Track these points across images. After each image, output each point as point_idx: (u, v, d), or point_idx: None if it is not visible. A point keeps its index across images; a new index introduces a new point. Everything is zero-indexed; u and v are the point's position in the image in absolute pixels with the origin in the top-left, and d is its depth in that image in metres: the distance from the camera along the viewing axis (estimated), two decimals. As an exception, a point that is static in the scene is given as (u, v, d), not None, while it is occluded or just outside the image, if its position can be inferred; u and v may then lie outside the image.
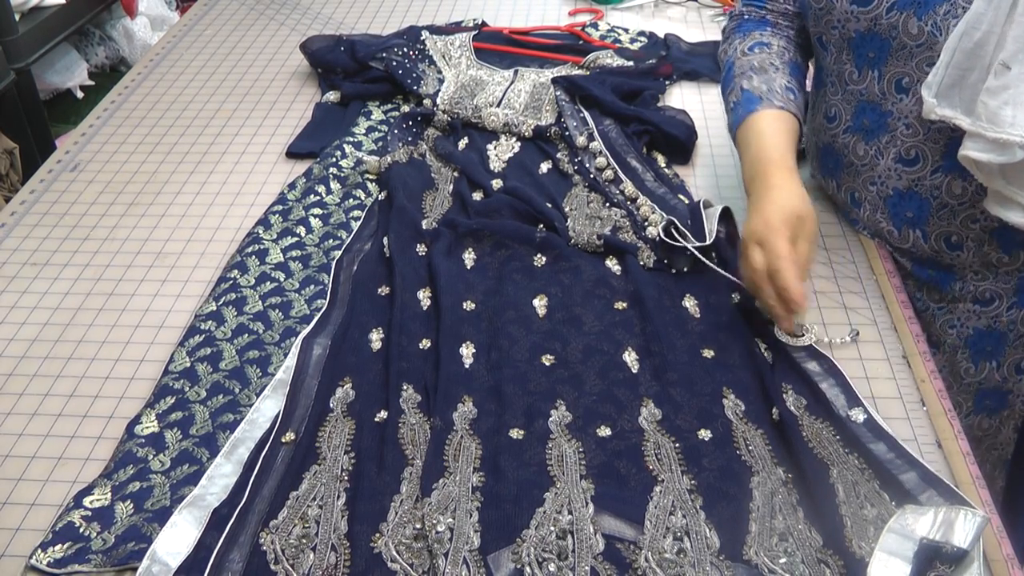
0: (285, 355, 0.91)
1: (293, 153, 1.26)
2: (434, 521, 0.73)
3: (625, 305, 0.96)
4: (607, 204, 1.11)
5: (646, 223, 1.06)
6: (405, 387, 0.86)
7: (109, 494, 0.78)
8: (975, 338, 1.03)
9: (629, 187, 1.12)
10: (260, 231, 1.08)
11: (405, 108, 1.34)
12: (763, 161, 0.96)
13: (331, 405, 0.85)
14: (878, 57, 0.95)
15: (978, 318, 1.02)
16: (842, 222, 1.09)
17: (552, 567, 0.70)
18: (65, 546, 0.73)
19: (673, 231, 1.01)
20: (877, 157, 0.99)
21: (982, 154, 0.85)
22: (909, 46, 0.92)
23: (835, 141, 1.05)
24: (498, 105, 1.29)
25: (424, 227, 1.06)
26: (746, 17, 1.12)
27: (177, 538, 0.73)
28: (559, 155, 1.20)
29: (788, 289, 0.86)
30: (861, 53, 0.97)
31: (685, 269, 1.00)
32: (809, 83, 1.12)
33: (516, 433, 0.81)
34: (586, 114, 1.24)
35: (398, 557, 0.71)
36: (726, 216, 1.05)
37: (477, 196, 1.12)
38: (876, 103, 0.98)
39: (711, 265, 0.98)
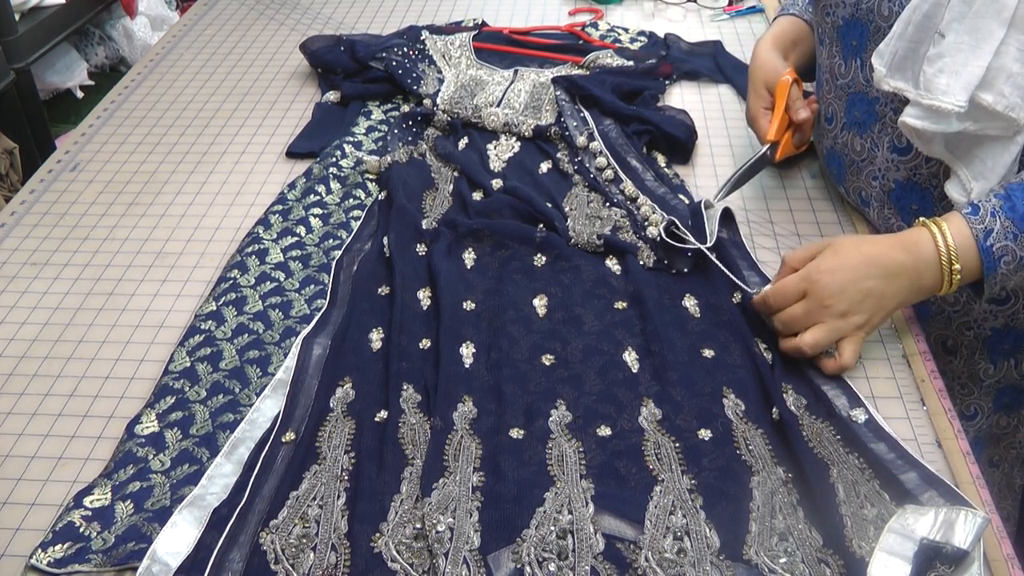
0: (285, 355, 0.91)
1: (293, 153, 1.25)
2: (434, 521, 0.73)
3: (625, 305, 0.96)
4: (607, 204, 1.10)
5: (646, 223, 1.05)
6: (405, 387, 0.86)
7: (109, 494, 0.78)
8: (993, 338, 1.03)
9: (629, 187, 1.12)
10: (260, 231, 1.08)
11: (405, 108, 1.33)
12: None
13: (331, 405, 0.85)
14: (859, 44, 0.97)
15: (995, 318, 1.01)
16: (842, 222, 1.09)
17: (552, 567, 0.70)
18: (65, 546, 0.73)
19: (675, 230, 1.01)
20: (874, 149, 1.00)
21: (919, 121, 0.87)
22: (883, 28, 0.93)
23: (835, 143, 1.05)
24: (498, 105, 1.29)
25: (424, 227, 1.06)
26: None
27: (177, 538, 0.73)
28: (559, 155, 1.20)
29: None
30: (847, 43, 0.99)
31: (685, 270, 1.00)
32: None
33: (516, 433, 0.81)
34: (586, 114, 1.24)
35: (398, 557, 0.71)
36: (727, 217, 1.05)
37: (477, 196, 1.12)
38: (863, 92, 0.99)
39: (715, 262, 0.97)
